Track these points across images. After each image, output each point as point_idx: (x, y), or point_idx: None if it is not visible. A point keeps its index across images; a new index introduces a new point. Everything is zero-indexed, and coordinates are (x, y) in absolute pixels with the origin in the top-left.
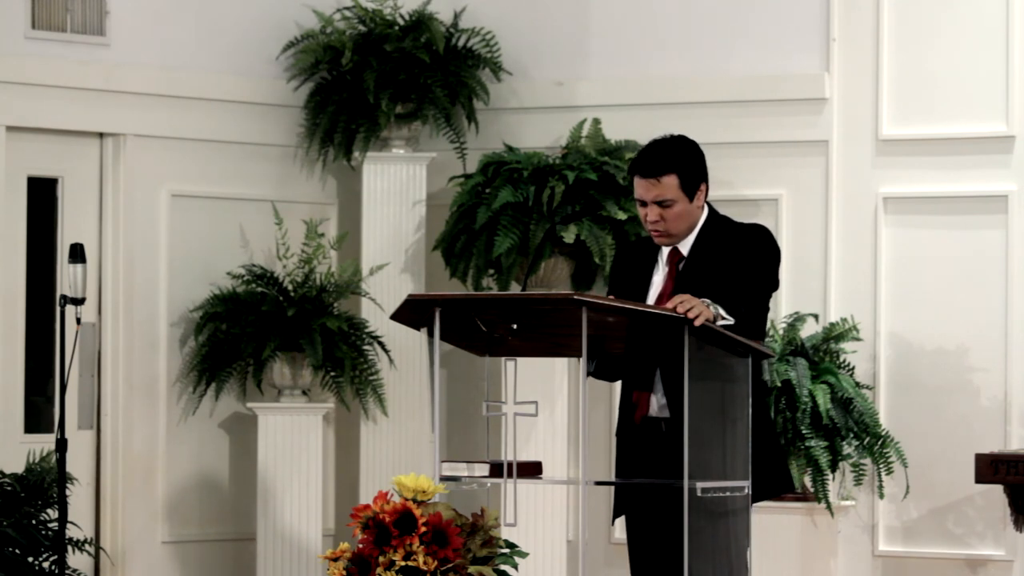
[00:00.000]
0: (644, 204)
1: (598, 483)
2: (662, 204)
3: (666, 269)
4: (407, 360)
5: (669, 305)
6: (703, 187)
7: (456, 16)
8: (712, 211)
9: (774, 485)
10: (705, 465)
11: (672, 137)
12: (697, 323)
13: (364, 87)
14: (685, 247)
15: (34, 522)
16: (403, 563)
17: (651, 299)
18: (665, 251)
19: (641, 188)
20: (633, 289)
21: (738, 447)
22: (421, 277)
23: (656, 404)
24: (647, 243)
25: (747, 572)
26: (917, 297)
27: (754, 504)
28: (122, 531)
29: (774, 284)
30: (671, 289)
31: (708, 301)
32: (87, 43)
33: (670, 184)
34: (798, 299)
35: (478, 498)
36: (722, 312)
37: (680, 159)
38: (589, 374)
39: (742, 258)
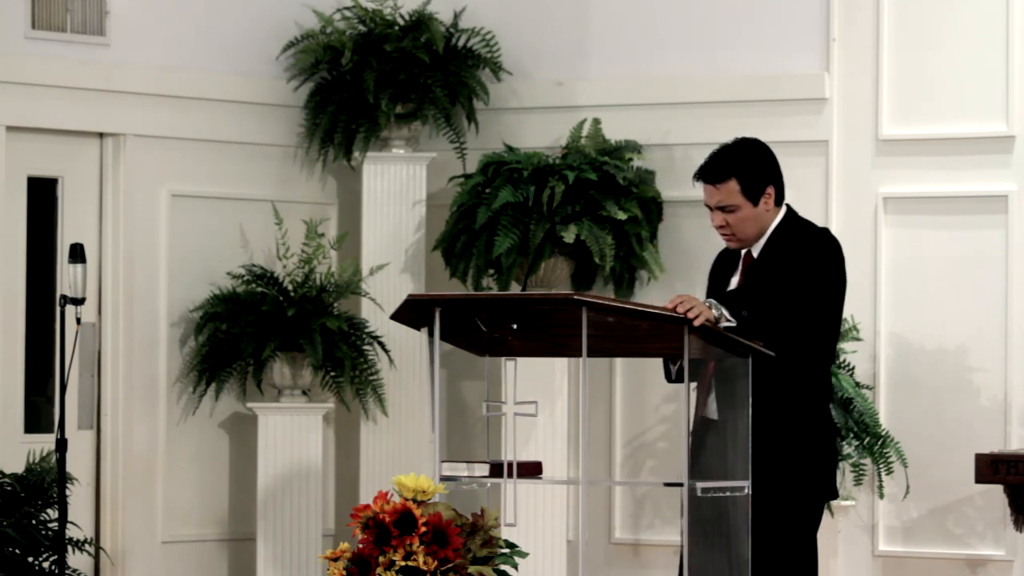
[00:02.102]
0: (711, 209)
1: (597, 483)
2: (725, 209)
3: (739, 272)
4: (407, 360)
5: (669, 305)
6: (769, 190)
7: (456, 16)
8: (788, 213)
9: (831, 489)
10: (752, 466)
11: (737, 141)
12: (696, 323)
13: (364, 87)
14: (756, 250)
15: (34, 522)
16: (403, 563)
17: None
18: (743, 253)
19: (705, 194)
20: (717, 293)
21: (739, 447)
22: (421, 277)
23: (712, 406)
24: None
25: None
26: (917, 297)
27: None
28: (122, 531)
29: (826, 293)
30: None
31: (712, 302)
32: (87, 43)
33: (731, 189)
34: None
35: (478, 498)
36: (725, 313)
37: (739, 164)
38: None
39: (798, 266)
